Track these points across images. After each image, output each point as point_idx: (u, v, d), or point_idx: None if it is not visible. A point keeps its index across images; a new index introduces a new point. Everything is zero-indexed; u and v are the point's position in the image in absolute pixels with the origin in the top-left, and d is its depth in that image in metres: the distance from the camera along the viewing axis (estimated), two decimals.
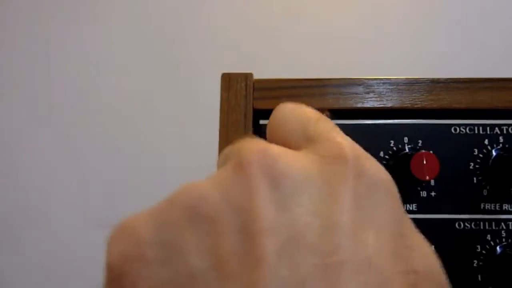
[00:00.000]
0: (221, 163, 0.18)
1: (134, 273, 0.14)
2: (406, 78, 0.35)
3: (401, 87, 0.34)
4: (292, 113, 0.19)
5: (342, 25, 0.63)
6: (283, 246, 0.13)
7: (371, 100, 0.34)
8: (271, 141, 0.18)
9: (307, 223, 0.14)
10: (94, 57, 0.65)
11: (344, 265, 0.13)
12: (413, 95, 0.34)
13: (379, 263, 0.14)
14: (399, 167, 0.33)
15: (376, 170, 0.17)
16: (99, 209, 0.61)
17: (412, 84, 0.34)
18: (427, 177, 0.30)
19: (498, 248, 0.33)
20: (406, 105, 0.34)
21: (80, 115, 0.64)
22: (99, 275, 0.15)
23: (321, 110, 0.21)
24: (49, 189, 0.62)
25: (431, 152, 0.31)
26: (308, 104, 0.35)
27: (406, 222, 0.16)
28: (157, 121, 0.62)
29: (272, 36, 0.62)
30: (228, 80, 0.35)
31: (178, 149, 0.61)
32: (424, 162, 0.30)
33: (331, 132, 0.17)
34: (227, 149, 0.18)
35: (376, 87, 0.34)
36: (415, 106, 0.34)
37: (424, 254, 0.16)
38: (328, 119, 0.19)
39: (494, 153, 0.34)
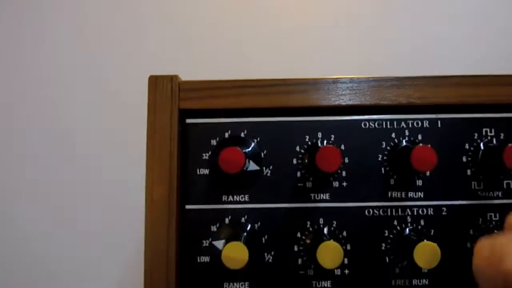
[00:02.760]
0: None
1: None
2: (319, 79, 0.37)
3: (315, 87, 0.37)
4: None
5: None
6: None
7: (290, 99, 0.37)
8: None
9: None
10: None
11: None
12: (328, 95, 0.37)
13: None
14: (310, 160, 0.36)
15: None
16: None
17: (325, 84, 0.37)
18: (331, 169, 0.33)
19: (404, 232, 0.37)
20: (320, 104, 0.37)
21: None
22: None
23: None
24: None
25: (334, 146, 0.34)
26: (229, 103, 0.38)
27: None
28: (85, 122, 0.64)
29: (197, 40, 0.65)
30: (155, 82, 0.37)
31: (106, 149, 0.64)
32: (328, 155, 0.33)
33: None
34: None
35: (292, 87, 0.37)
36: (329, 104, 0.37)
37: None
38: None
39: (400, 145, 0.37)
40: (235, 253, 0.33)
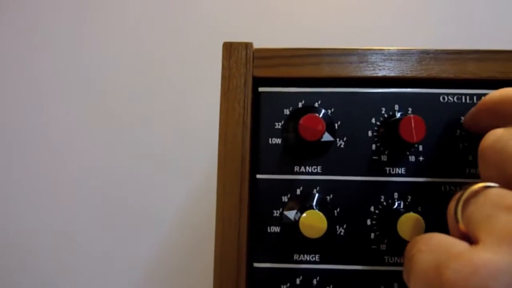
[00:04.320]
0: None
1: None
2: (397, 49, 0.36)
3: (393, 57, 0.36)
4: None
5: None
6: None
7: (364, 70, 0.36)
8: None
9: None
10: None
11: None
12: (404, 65, 0.36)
13: None
14: (389, 132, 0.35)
15: None
16: None
17: (403, 54, 0.36)
18: (415, 139, 0.32)
19: None
20: (397, 75, 0.36)
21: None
22: None
23: None
24: None
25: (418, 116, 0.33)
26: (304, 72, 0.37)
27: None
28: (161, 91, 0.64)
29: (271, 9, 0.64)
30: (230, 49, 0.37)
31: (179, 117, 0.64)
32: (412, 125, 0.32)
33: None
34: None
35: (369, 57, 0.36)
36: (406, 75, 0.36)
37: None
38: None
39: None
40: (314, 221, 0.32)
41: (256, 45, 0.37)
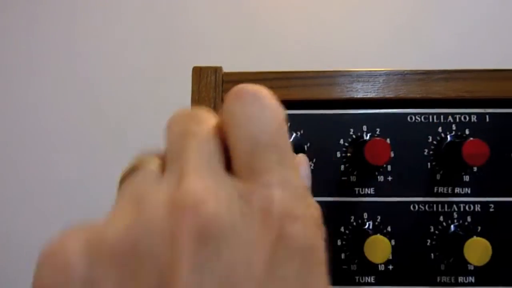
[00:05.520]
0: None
1: None
2: (365, 71, 0.37)
3: (360, 79, 0.37)
4: (244, 115, 0.18)
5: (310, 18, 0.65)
6: None
7: (333, 92, 0.37)
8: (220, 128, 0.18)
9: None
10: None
11: None
12: (372, 86, 0.37)
13: None
14: (356, 153, 0.35)
15: (301, 235, 0.15)
16: None
17: (370, 76, 0.37)
18: (380, 162, 0.33)
19: (450, 228, 0.36)
20: (365, 96, 0.36)
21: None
22: None
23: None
24: None
25: (382, 138, 0.33)
26: (274, 95, 0.37)
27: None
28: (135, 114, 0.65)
29: (244, 31, 0.65)
30: (199, 73, 0.37)
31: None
32: (377, 149, 0.33)
33: (273, 174, 0.16)
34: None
35: (337, 79, 0.37)
36: (374, 97, 0.36)
37: None
38: (283, 140, 0.17)
39: (447, 139, 0.36)
40: None
41: (226, 69, 0.38)
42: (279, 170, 0.16)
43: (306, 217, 0.16)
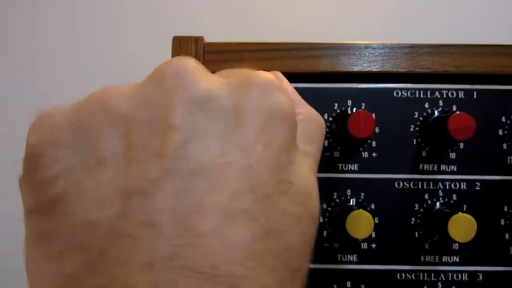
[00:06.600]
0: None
1: (48, 155, 0.15)
2: (351, 44, 0.36)
3: (346, 52, 0.36)
4: None
5: None
6: (185, 143, 0.15)
7: (317, 65, 0.36)
8: None
9: (208, 128, 0.16)
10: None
11: (228, 166, 0.15)
12: (357, 60, 0.35)
13: (259, 169, 0.16)
14: (340, 128, 0.34)
15: (281, 100, 0.18)
16: None
17: (356, 49, 0.35)
18: (363, 134, 0.32)
19: (435, 206, 0.35)
20: (350, 70, 0.35)
21: None
22: None
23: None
24: None
25: (367, 111, 0.32)
26: (256, 67, 0.36)
27: (294, 146, 0.18)
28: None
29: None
30: (180, 43, 0.36)
31: None
32: (361, 120, 0.32)
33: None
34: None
35: (322, 51, 0.36)
36: (359, 70, 0.35)
37: (303, 172, 0.17)
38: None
39: (433, 115, 0.35)
40: None
41: (207, 39, 0.37)
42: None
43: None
